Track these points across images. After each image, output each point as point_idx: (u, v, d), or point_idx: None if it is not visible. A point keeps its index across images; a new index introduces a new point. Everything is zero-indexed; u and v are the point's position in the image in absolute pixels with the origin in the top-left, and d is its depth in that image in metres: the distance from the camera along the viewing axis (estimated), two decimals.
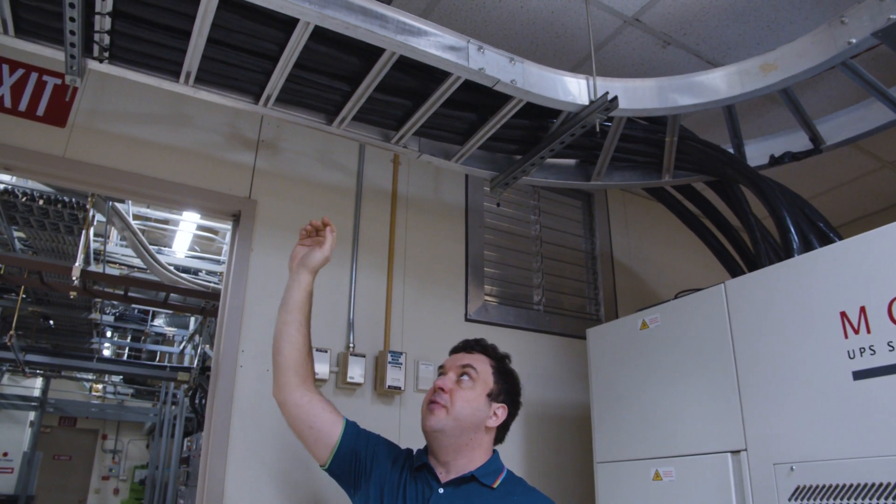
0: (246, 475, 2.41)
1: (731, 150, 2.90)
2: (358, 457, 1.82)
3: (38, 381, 12.10)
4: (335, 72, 2.22)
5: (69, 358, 8.61)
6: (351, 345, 2.74)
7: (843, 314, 1.95)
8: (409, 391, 2.81)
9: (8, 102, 2.48)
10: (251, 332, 2.57)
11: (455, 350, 1.94)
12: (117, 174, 2.54)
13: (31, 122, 2.47)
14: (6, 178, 4.26)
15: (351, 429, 1.86)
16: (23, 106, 2.49)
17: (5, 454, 11.69)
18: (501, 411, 1.83)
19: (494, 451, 1.85)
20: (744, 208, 2.78)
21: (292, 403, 1.82)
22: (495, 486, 1.74)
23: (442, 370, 1.86)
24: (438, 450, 1.77)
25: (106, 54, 2.03)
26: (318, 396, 1.85)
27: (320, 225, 1.94)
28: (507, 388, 1.86)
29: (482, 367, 1.83)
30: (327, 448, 1.81)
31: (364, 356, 2.72)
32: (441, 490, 1.72)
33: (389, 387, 2.71)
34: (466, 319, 3.14)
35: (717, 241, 3.12)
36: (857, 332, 1.91)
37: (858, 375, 1.88)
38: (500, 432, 1.86)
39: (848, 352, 1.91)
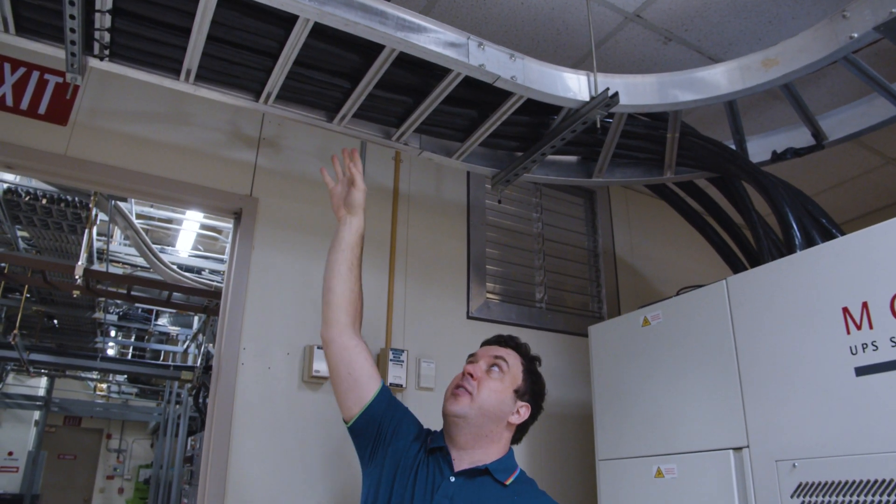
0: (248, 473, 2.42)
1: (733, 147, 2.89)
2: (381, 425, 1.79)
3: (43, 381, 12.14)
4: (335, 69, 2.22)
5: (73, 357, 8.62)
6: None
7: (845, 310, 1.94)
8: (410, 388, 2.81)
9: (10, 101, 2.48)
10: (253, 330, 2.57)
11: (488, 342, 1.91)
12: (118, 172, 2.54)
13: (33, 121, 2.48)
14: (9, 177, 4.28)
15: (385, 393, 1.83)
16: (24, 104, 2.50)
17: (10, 453, 11.73)
18: (525, 410, 1.80)
19: (510, 450, 1.82)
20: (746, 204, 2.78)
21: (340, 343, 1.79)
22: (507, 483, 1.72)
23: (472, 358, 1.84)
24: (457, 435, 1.73)
25: (106, 52, 2.03)
26: (365, 347, 1.83)
27: (345, 159, 1.95)
28: (533, 389, 1.84)
29: (513, 361, 1.81)
30: (358, 403, 1.78)
31: None
32: (452, 479, 1.69)
33: (391, 384, 2.71)
34: (468, 317, 3.14)
35: (720, 238, 3.11)
36: (859, 327, 1.90)
37: (861, 371, 1.87)
38: (519, 433, 1.84)
39: (850, 347, 1.91)
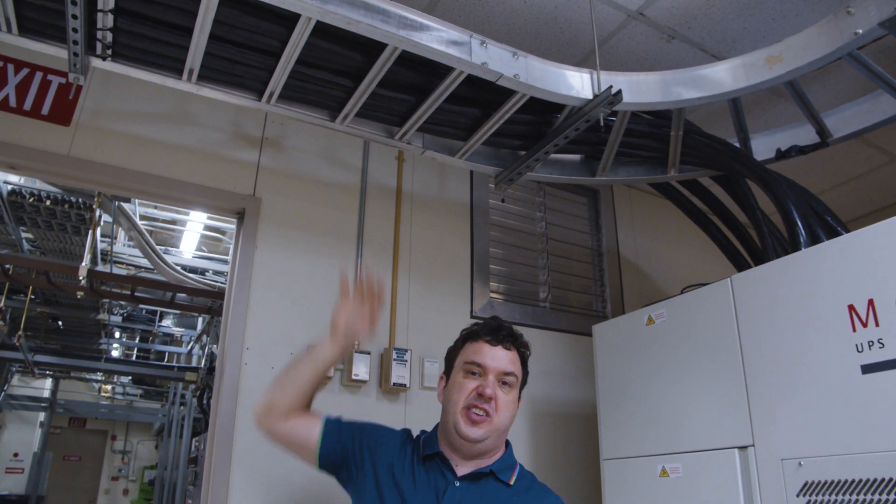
0: (251, 473, 2.41)
1: (737, 145, 2.88)
2: (345, 452, 1.74)
3: (48, 383, 12.17)
4: (338, 68, 2.22)
5: (78, 358, 8.64)
6: (356, 342, 2.73)
7: (850, 307, 1.93)
8: (414, 388, 2.81)
9: (13, 102, 2.49)
10: (256, 330, 2.57)
11: (490, 338, 1.73)
12: (121, 172, 2.54)
13: (36, 121, 2.49)
14: (14, 178, 4.29)
15: (330, 426, 1.77)
16: (27, 105, 2.50)
17: (16, 455, 11.77)
18: (520, 402, 1.77)
19: (508, 445, 1.79)
20: (750, 203, 2.77)
21: (276, 432, 1.74)
22: (511, 482, 1.70)
23: (479, 368, 1.68)
24: (467, 451, 1.68)
25: (109, 52, 2.03)
26: (294, 414, 1.75)
27: (374, 288, 1.76)
28: (525, 379, 1.80)
29: (518, 368, 1.73)
30: (312, 453, 1.74)
31: (369, 353, 2.72)
32: (458, 483, 1.66)
33: (395, 384, 2.70)
34: (472, 317, 3.13)
35: (724, 237, 3.10)
36: (865, 325, 1.89)
37: (867, 369, 1.86)
38: None
39: (856, 345, 1.89)
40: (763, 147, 2.93)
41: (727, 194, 2.97)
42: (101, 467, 13.90)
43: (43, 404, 12.07)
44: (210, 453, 2.42)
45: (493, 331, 1.73)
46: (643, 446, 2.52)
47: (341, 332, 1.71)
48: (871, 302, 1.88)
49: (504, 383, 1.68)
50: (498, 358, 1.69)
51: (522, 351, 1.79)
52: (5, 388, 10.40)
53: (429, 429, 1.79)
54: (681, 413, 2.40)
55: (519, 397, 1.77)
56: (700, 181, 3.12)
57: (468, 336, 1.77)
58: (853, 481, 1.84)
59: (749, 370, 2.18)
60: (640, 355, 2.63)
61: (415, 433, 1.84)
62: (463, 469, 1.68)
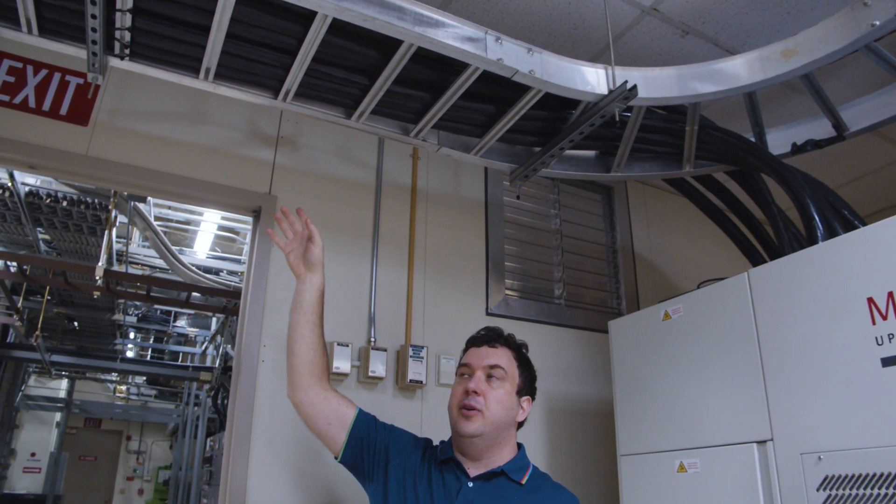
0: (268, 469, 2.43)
1: (753, 139, 2.87)
2: (372, 447, 1.81)
3: (64, 383, 12.27)
4: (353, 65, 2.22)
5: (93, 358, 8.71)
6: (372, 339, 2.74)
7: (870, 300, 1.92)
8: (430, 385, 2.81)
9: (32, 102, 2.51)
10: (273, 327, 2.58)
11: (475, 342, 1.86)
12: (139, 171, 2.56)
13: (55, 122, 2.51)
14: (31, 180, 4.33)
15: (363, 418, 1.85)
16: (46, 105, 2.53)
17: (33, 454, 11.88)
18: (527, 404, 1.83)
19: (521, 446, 1.84)
20: (766, 198, 2.75)
21: (308, 403, 1.81)
22: (523, 482, 1.74)
23: (467, 369, 1.80)
24: (471, 450, 1.75)
25: (127, 51, 2.05)
26: (333, 392, 1.85)
27: (295, 220, 1.92)
28: (529, 379, 1.85)
29: (508, 362, 1.80)
30: (339, 439, 1.81)
31: (385, 350, 2.72)
32: (471, 484, 1.71)
33: (411, 381, 2.71)
34: (487, 313, 3.13)
35: (739, 232, 3.09)
36: (885, 317, 1.87)
37: (887, 362, 1.85)
38: (521, 424, 1.85)
39: (876, 338, 1.88)
40: (778, 142, 2.92)
41: (742, 190, 2.96)
42: (117, 467, 14.00)
43: (59, 405, 12.17)
44: (228, 450, 2.43)
45: (479, 335, 1.87)
46: (660, 442, 2.51)
47: (294, 267, 1.88)
48: (890, 294, 1.87)
49: (492, 377, 1.76)
50: (482, 355, 1.80)
51: (515, 349, 1.86)
52: (22, 388, 10.49)
53: (444, 424, 1.82)
54: (698, 408, 2.39)
55: (525, 395, 1.83)
56: (715, 177, 3.11)
57: (465, 349, 1.89)
58: (874, 475, 1.82)
59: (767, 364, 2.17)
60: (656, 350, 2.62)
61: (433, 435, 1.93)
62: (475, 471, 1.74)
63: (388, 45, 2.11)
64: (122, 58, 2.06)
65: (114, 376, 12.18)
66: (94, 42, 1.93)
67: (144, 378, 11.60)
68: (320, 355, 1.85)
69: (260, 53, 2.13)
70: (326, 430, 1.81)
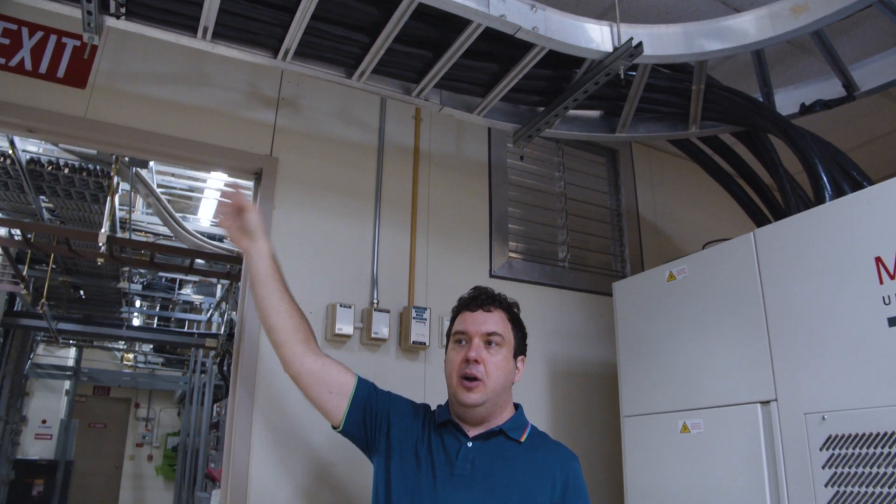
0: (272, 435, 2.44)
1: (761, 99, 2.82)
2: (373, 414, 1.81)
3: (72, 352, 12.37)
4: (354, 23, 2.18)
5: (100, 326, 8.76)
6: (375, 300, 2.73)
7: (877, 259, 1.90)
8: (433, 346, 2.81)
9: (28, 65, 2.48)
10: None
11: (468, 306, 1.81)
12: (138, 134, 2.54)
13: (52, 84, 2.48)
14: (32, 147, 4.31)
15: (364, 385, 1.85)
16: (43, 68, 2.49)
17: (44, 421, 12.02)
18: (522, 363, 1.83)
19: (518, 407, 1.85)
20: (773, 159, 2.72)
21: (306, 373, 1.80)
22: (522, 440, 1.76)
23: (464, 335, 1.76)
24: (471, 416, 1.75)
25: (122, 10, 2.02)
26: (329, 359, 1.84)
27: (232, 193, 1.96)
28: (522, 338, 1.85)
29: (504, 327, 1.77)
30: (341, 407, 1.80)
31: (388, 312, 2.72)
32: (470, 443, 1.72)
33: (414, 342, 2.71)
34: (491, 276, 3.12)
35: (745, 195, 3.05)
36: (892, 277, 1.86)
37: (894, 322, 1.84)
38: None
39: (883, 298, 1.87)
40: (787, 102, 2.87)
41: (749, 152, 2.92)
42: (126, 434, 14.15)
43: (68, 373, 12.28)
44: (231, 417, 2.44)
45: (472, 299, 1.82)
46: (664, 402, 2.52)
47: (237, 242, 1.90)
48: None
49: (490, 343, 1.74)
50: (479, 321, 1.76)
51: (508, 310, 1.83)
52: (31, 356, 10.57)
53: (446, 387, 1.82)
54: (702, 368, 2.39)
55: (520, 355, 1.82)
56: (721, 138, 3.06)
57: (455, 311, 1.86)
58: (878, 434, 1.82)
59: (772, 324, 2.16)
60: (661, 312, 2.61)
61: (435, 397, 1.95)
62: (474, 431, 1.75)
63: (389, 1, 2.07)
64: (117, 17, 2.03)
65: (121, 344, 12.25)
66: (88, 0, 1.89)
67: (151, 346, 11.66)
68: (299, 319, 1.84)
69: (258, 11, 2.09)
70: (329, 399, 1.80)
